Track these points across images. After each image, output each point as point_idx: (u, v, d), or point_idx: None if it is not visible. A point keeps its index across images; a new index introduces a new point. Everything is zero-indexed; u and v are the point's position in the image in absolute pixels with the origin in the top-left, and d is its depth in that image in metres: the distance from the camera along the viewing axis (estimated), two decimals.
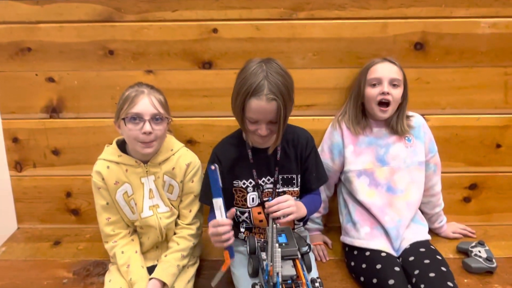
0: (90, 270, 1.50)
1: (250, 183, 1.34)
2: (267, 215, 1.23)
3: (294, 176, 1.36)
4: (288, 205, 1.18)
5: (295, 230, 1.40)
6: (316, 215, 1.62)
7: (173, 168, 1.36)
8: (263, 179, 1.35)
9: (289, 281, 1.13)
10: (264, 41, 1.55)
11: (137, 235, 1.42)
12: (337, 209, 1.63)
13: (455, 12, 1.53)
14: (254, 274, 1.26)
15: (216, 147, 1.39)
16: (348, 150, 1.52)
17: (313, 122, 1.63)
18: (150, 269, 1.33)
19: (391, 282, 1.27)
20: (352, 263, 1.44)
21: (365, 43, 1.56)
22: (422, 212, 1.60)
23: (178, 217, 1.42)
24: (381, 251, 1.40)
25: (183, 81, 1.60)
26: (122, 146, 1.37)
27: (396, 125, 1.50)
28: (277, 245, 1.08)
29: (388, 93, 1.43)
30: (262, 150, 1.33)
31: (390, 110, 1.46)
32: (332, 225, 1.72)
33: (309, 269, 1.22)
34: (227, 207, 1.16)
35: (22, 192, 1.75)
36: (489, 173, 1.71)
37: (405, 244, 1.43)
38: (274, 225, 1.11)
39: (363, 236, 1.46)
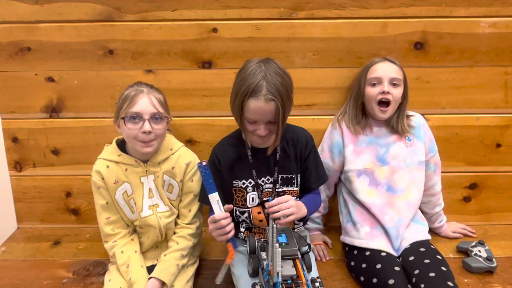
0: (90, 270, 1.50)
1: (250, 183, 1.34)
2: (267, 215, 1.23)
3: (294, 176, 1.36)
4: (288, 205, 1.18)
5: (295, 230, 1.40)
6: (316, 214, 1.62)
7: (173, 168, 1.36)
8: (263, 179, 1.35)
9: (289, 281, 1.12)
10: (264, 40, 1.55)
11: (137, 234, 1.42)
12: (337, 209, 1.63)
13: (455, 11, 1.53)
14: (254, 274, 1.25)
15: (215, 147, 1.38)
16: (348, 149, 1.52)
17: (313, 122, 1.63)
18: (150, 269, 1.33)
19: (391, 281, 1.26)
20: (352, 263, 1.44)
21: (365, 43, 1.56)
22: (422, 212, 1.60)
23: (178, 216, 1.42)
24: (381, 251, 1.39)
25: (183, 81, 1.60)
26: (122, 145, 1.37)
27: (396, 125, 1.50)
28: (277, 245, 1.08)
29: (388, 93, 1.43)
30: (261, 150, 1.33)
31: (390, 110, 1.46)
32: (332, 224, 1.72)
33: (309, 269, 1.21)
34: None
35: (22, 192, 1.75)
36: (489, 173, 1.71)
37: (405, 244, 1.43)
38: (274, 225, 1.11)
39: (363, 235, 1.46)
